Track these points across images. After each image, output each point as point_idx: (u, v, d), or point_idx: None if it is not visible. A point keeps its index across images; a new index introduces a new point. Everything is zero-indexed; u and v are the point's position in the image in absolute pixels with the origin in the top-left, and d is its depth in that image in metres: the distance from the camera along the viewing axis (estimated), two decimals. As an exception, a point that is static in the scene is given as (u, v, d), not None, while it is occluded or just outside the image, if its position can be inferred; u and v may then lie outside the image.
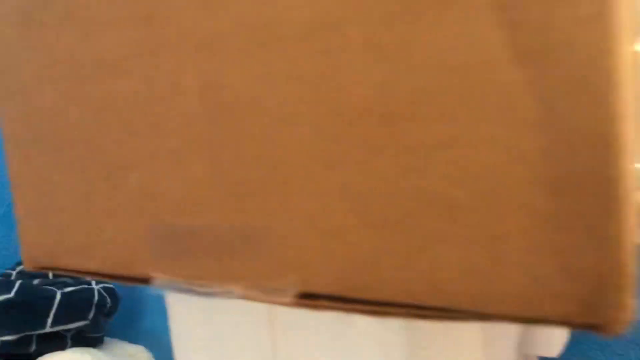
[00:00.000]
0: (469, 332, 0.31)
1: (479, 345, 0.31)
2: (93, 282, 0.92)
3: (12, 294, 0.82)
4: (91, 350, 0.87)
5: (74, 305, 0.87)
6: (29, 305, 0.83)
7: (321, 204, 0.23)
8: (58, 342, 0.85)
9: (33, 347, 0.83)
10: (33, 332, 0.82)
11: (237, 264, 0.26)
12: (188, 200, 0.26)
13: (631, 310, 0.20)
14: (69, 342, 0.87)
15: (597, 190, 0.19)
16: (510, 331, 0.36)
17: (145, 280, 0.29)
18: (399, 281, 0.22)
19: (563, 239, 0.20)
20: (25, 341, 0.82)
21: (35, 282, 0.88)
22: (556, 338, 0.47)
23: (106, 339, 0.96)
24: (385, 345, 0.31)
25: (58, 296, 0.85)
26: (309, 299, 0.24)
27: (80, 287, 0.89)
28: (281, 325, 0.35)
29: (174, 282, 0.28)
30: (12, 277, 0.87)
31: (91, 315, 0.88)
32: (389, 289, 0.23)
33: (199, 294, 0.27)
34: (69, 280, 0.91)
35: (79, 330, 0.88)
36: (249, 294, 0.25)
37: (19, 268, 0.92)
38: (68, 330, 0.87)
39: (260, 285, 0.25)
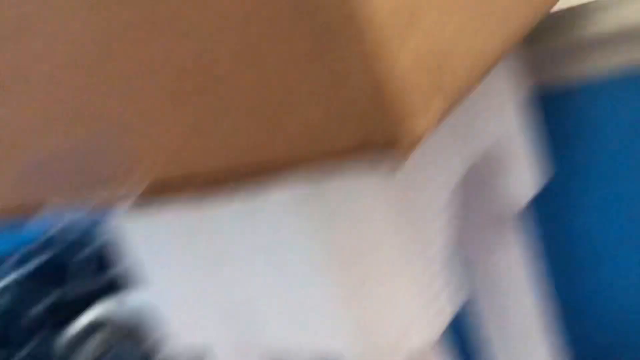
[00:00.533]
0: (377, 196, 0.31)
1: (393, 208, 0.31)
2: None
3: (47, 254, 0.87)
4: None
5: (105, 260, 0.91)
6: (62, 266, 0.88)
7: (138, 92, 0.23)
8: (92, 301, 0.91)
9: (69, 311, 0.89)
10: (67, 297, 0.88)
11: (95, 174, 0.26)
12: (40, 126, 0.27)
13: (423, 124, 0.20)
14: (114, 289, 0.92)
15: (343, 20, 0.18)
16: (434, 187, 0.35)
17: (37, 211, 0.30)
18: (212, 151, 0.22)
19: (332, 71, 0.19)
20: (59, 307, 0.88)
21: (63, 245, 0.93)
22: (519, 182, 0.46)
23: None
24: (298, 220, 0.31)
25: (86, 253, 0.90)
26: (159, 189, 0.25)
27: (105, 242, 0.94)
28: (208, 226, 0.35)
29: (59, 205, 0.29)
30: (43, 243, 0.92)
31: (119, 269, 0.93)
32: (208, 160, 0.23)
33: (81, 211, 0.29)
34: (94, 239, 0.95)
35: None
36: (111, 199, 0.26)
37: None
38: (94, 295, 0.92)
39: (115, 187, 0.26)
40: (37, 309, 0.85)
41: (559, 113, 0.55)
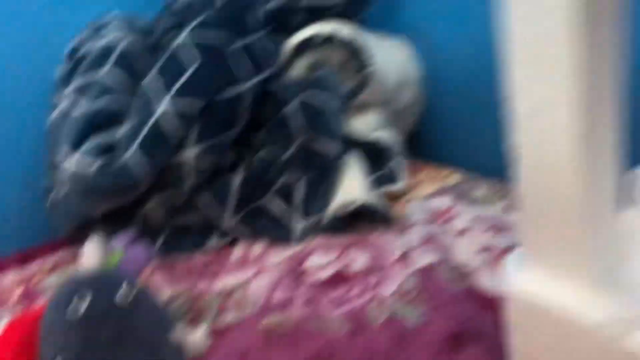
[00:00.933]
0: None
1: None
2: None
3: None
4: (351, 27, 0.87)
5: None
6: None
7: None
8: (320, 17, 0.87)
9: (297, 18, 0.86)
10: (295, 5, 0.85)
11: None
12: None
13: None
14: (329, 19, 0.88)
15: None
16: None
17: None
18: None
19: None
20: (290, 11, 0.85)
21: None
22: None
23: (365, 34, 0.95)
24: None
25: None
26: None
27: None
28: None
29: None
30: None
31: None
32: None
33: None
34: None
35: (336, 11, 0.89)
36: None
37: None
38: (326, 8, 0.87)
39: None
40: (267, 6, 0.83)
41: None
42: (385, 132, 0.90)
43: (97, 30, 0.85)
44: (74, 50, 0.84)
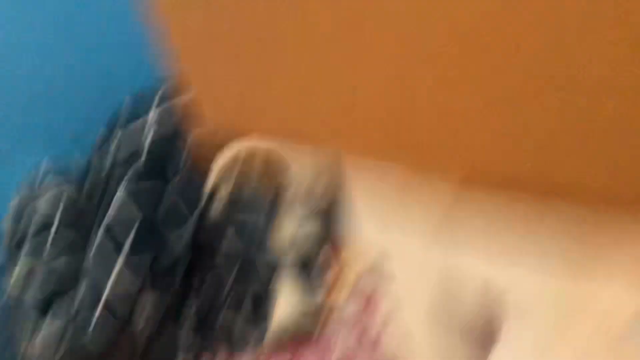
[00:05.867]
0: None
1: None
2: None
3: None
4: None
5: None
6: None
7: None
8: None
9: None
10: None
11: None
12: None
13: None
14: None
15: None
16: None
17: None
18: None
19: None
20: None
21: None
22: None
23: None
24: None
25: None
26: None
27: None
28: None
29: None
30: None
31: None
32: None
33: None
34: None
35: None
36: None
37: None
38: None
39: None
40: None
41: None
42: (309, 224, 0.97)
43: (33, 189, 0.90)
44: (17, 214, 0.89)
